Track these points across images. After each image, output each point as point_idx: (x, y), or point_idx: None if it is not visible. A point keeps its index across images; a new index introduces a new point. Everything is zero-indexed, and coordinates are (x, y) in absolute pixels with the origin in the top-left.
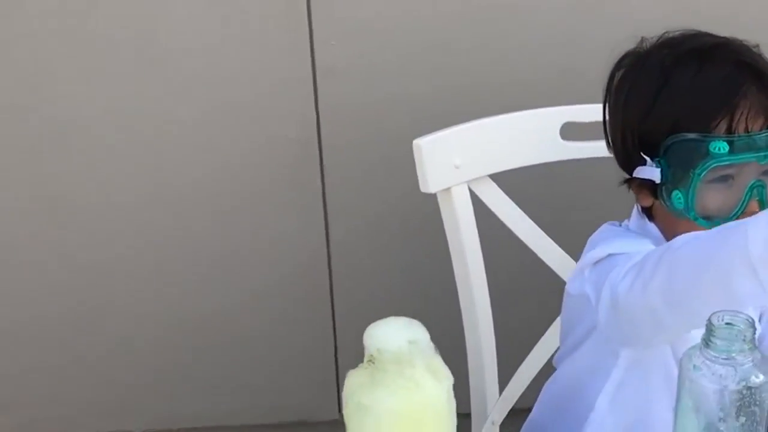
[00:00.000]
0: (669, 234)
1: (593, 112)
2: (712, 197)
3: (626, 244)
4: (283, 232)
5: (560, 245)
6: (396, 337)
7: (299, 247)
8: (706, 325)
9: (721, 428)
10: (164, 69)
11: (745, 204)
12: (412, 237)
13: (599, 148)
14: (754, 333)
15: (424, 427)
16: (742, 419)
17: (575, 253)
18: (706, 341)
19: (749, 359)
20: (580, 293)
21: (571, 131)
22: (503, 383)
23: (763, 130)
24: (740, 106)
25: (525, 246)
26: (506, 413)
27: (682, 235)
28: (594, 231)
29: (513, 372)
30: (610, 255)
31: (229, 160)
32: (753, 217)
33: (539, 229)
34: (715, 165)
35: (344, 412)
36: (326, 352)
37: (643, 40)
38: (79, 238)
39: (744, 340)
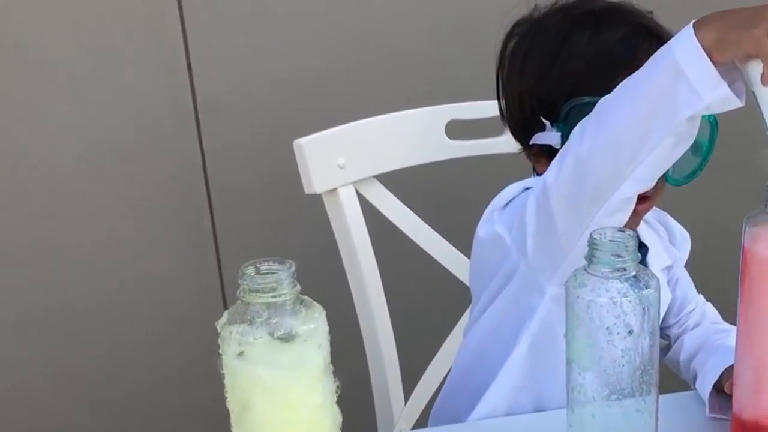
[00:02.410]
0: None
1: (478, 110)
2: None
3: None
4: (175, 271)
5: (451, 242)
6: (265, 271)
7: (192, 287)
8: (589, 242)
9: (613, 345)
10: (42, 115)
11: None
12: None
13: (485, 146)
14: (636, 244)
15: (303, 352)
16: (633, 332)
17: (466, 250)
18: (590, 258)
19: (633, 271)
20: (493, 236)
21: (456, 130)
22: (409, 390)
23: None
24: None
25: (416, 245)
26: (414, 421)
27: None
28: None
29: (419, 377)
30: (526, 188)
31: (114, 206)
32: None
33: (429, 228)
34: None
35: (223, 359)
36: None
37: (535, 7)
38: None
39: (627, 250)
